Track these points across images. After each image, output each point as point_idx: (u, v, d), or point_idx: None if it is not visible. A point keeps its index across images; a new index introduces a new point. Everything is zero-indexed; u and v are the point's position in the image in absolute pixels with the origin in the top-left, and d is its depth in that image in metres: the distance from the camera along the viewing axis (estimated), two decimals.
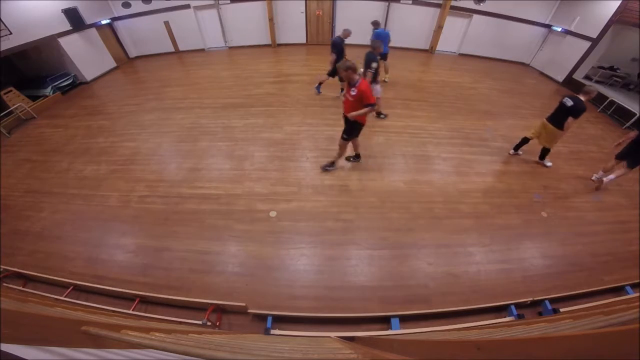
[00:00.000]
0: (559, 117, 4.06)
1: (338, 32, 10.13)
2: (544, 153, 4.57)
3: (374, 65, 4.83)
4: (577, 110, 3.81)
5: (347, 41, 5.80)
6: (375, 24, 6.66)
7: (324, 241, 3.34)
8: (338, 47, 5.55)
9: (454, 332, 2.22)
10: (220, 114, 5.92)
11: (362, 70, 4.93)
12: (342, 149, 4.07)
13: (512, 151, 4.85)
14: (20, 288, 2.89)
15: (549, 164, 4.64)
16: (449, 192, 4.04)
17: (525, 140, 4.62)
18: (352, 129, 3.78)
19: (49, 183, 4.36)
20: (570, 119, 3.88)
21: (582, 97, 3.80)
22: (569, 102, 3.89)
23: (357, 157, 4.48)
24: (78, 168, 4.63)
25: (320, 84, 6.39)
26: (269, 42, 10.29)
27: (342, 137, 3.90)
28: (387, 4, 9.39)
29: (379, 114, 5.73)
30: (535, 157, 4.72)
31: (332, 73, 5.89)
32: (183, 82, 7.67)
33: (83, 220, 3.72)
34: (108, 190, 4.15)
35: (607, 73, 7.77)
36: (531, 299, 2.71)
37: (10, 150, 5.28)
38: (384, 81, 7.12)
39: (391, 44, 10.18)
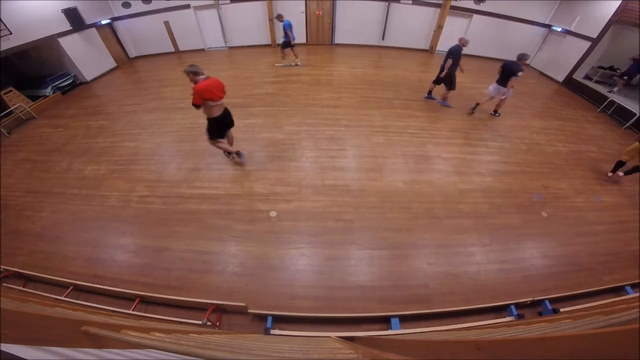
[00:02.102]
0: None
1: (338, 31, 10.23)
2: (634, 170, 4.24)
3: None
4: None
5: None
6: (279, 17, 7.63)
7: (324, 241, 3.34)
8: (456, 55, 5.67)
9: (454, 332, 2.22)
10: None
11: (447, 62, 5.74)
12: (216, 146, 4.15)
13: (610, 173, 4.52)
14: (20, 288, 2.89)
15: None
16: (449, 192, 4.04)
17: (620, 163, 4.37)
18: (208, 128, 3.88)
19: (49, 183, 4.36)
20: None
21: None
22: None
23: (238, 154, 4.35)
24: (78, 168, 4.63)
25: (429, 92, 6.55)
26: (269, 42, 10.30)
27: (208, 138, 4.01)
28: (387, 4, 9.38)
29: (495, 112, 6.05)
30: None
31: (440, 81, 6.13)
32: (183, 82, 7.59)
33: (83, 220, 3.72)
34: (108, 190, 4.15)
35: (607, 73, 7.77)
36: (531, 299, 2.71)
37: (10, 150, 5.28)
38: (296, 65, 8.19)
39: (391, 44, 10.30)
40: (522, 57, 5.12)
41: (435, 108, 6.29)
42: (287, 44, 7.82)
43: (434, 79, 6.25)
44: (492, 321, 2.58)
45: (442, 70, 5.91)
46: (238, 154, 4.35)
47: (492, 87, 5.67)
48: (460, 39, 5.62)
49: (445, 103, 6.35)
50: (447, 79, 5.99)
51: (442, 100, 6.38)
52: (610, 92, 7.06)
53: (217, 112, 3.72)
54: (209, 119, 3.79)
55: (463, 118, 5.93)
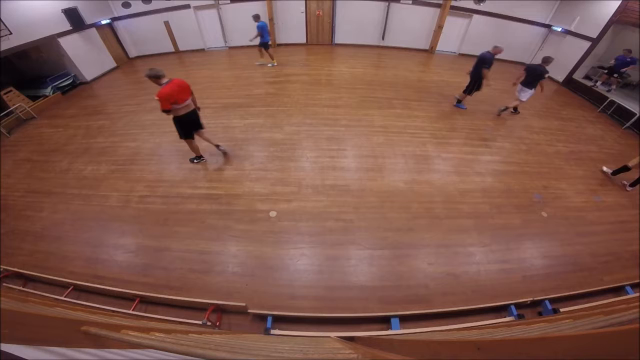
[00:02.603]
0: None
1: (338, 32, 10.23)
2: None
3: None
4: None
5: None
6: (256, 17, 7.61)
7: (324, 241, 3.34)
8: (490, 64, 5.67)
9: (454, 332, 2.22)
10: (220, 113, 5.92)
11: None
12: (190, 146, 4.26)
13: (607, 170, 4.61)
14: (20, 288, 2.89)
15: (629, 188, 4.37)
16: (449, 192, 4.04)
17: (625, 168, 4.34)
18: (177, 129, 3.98)
19: (49, 183, 4.36)
20: None
21: None
22: None
23: (198, 158, 4.48)
24: (78, 168, 4.63)
25: (459, 101, 6.40)
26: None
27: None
28: (387, 4, 9.38)
29: (515, 109, 6.29)
30: None
31: (473, 91, 6.09)
32: None
33: (83, 220, 3.72)
34: (108, 190, 4.15)
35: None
36: (531, 299, 2.71)
37: (10, 150, 5.28)
38: (269, 65, 8.31)
39: (391, 44, 10.30)
40: (547, 60, 5.31)
41: (435, 108, 6.28)
42: (264, 44, 7.95)
43: (465, 88, 6.14)
44: (492, 321, 2.57)
45: (475, 80, 5.87)
46: (218, 146, 4.51)
47: (519, 88, 5.81)
48: (495, 48, 5.61)
49: (460, 105, 6.35)
50: (472, 86, 5.97)
51: (457, 103, 6.37)
52: (608, 90, 7.12)
53: (182, 112, 3.75)
54: (173, 118, 3.82)
55: (463, 118, 5.93)
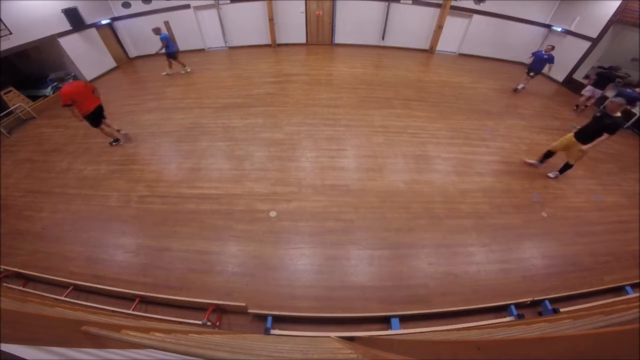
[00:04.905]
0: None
1: (338, 31, 10.23)
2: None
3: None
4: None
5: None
6: (157, 30, 7.45)
7: (324, 241, 3.34)
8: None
9: (454, 332, 2.22)
10: (220, 113, 5.92)
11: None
12: (105, 133, 4.91)
13: (532, 161, 4.66)
14: (20, 288, 2.89)
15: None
16: (449, 192, 4.04)
17: (549, 154, 4.48)
18: (89, 122, 4.63)
19: (49, 183, 4.36)
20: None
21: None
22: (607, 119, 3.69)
23: (116, 141, 5.06)
24: (78, 168, 4.63)
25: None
26: (268, 42, 10.29)
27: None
28: (387, 4, 9.38)
29: (585, 106, 6.64)
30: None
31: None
32: (183, 82, 7.67)
33: (83, 220, 3.72)
34: (108, 190, 4.15)
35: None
36: (531, 299, 2.71)
37: (10, 150, 5.28)
38: (182, 72, 8.19)
39: (391, 44, 10.30)
40: (615, 68, 6.09)
41: (435, 108, 6.28)
42: (172, 54, 7.79)
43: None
44: (492, 321, 2.58)
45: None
46: (116, 140, 5.07)
47: (589, 88, 6.39)
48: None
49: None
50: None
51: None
52: (515, 90, 7.32)
53: (91, 107, 4.41)
54: (84, 115, 4.42)
55: (463, 118, 5.93)
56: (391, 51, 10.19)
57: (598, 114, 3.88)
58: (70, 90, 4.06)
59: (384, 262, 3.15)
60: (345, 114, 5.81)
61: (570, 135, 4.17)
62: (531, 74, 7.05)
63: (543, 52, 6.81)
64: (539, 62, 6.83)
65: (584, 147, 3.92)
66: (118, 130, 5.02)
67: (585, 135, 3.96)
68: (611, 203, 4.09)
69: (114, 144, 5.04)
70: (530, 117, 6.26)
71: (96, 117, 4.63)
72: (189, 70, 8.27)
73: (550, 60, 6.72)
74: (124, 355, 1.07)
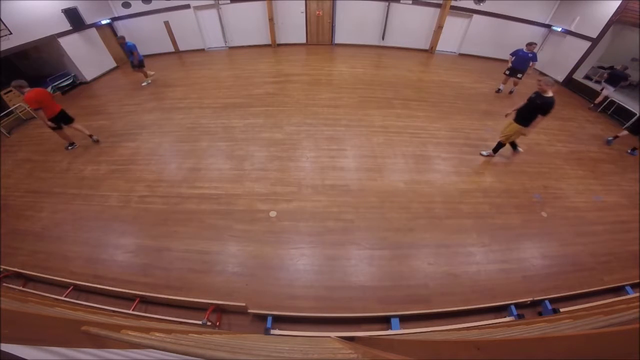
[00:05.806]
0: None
1: (338, 32, 10.23)
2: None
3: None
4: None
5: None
6: (122, 38, 7.17)
7: (324, 241, 3.34)
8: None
9: (454, 332, 2.22)
10: (220, 114, 5.92)
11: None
12: (61, 136, 5.05)
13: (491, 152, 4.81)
14: (20, 288, 2.89)
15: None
16: (449, 192, 4.04)
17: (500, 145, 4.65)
18: (55, 125, 4.78)
19: (49, 183, 4.36)
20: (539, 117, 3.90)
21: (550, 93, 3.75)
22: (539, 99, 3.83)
23: (71, 144, 5.19)
24: (78, 168, 4.63)
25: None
26: (269, 42, 10.29)
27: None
28: (387, 4, 9.38)
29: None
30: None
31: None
32: (183, 82, 7.67)
33: (83, 220, 3.72)
34: (108, 190, 4.15)
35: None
36: (531, 299, 2.71)
37: (10, 150, 5.28)
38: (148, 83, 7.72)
39: (391, 44, 10.30)
40: (626, 67, 6.32)
41: (435, 108, 6.28)
42: (142, 63, 7.44)
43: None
44: (492, 321, 2.58)
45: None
46: (91, 136, 5.23)
47: (605, 85, 6.61)
48: None
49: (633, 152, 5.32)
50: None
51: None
52: (498, 90, 7.28)
53: (56, 111, 4.63)
54: (49, 118, 4.57)
55: (463, 118, 5.93)
56: (391, 51, 10.19)
57: (533, 95, 3.98)
58: (36, 95, 4.28)
59: (384, 262, 3.15)
60: (345, 114, 5.81)
61: (510, 121, 4.32)
62: (519, 75, 6.81)
63: (524, 50, 6.53)
64: (523, 62, 6.60)
65: (526, 131, 4.18)
66: (90, 136, 5.18)
67: (523, 117, 4.13)
68: (611, 203, 4.09)
69: (69, 147, 5.16)
70: None
71: (59, 121, 4.84)
72: (150, 81, 7.76)
73: (534, 58, 6.55)
74: (124, 355, 1.07)
